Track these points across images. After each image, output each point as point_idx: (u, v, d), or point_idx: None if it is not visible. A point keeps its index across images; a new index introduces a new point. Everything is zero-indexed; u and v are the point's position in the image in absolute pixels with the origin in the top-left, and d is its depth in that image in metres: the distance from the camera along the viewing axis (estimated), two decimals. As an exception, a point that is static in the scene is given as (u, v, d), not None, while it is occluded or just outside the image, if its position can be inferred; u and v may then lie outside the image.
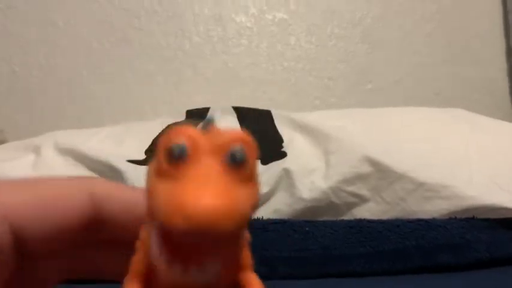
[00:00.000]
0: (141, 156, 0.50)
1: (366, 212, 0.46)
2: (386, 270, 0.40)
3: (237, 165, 0.13)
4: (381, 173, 0.47)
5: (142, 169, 0.48)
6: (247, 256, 0.15)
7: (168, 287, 0.13)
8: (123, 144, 0.52)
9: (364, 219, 0.44)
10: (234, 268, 0.15)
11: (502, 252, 0.41)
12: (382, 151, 0.48)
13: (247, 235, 0.15)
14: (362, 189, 0.47)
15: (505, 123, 0.56)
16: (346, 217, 0.46)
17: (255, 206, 0.13)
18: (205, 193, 0.12)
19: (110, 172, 0.49)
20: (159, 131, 0.53)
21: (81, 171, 0.50)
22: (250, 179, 0.13)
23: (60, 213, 0.16)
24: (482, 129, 0.53)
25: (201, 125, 0.14)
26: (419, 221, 0.43)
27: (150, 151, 0.51)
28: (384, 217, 0.45)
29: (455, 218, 0.44)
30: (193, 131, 0.13)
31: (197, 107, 0.63)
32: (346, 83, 0.86)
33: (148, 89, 0.83)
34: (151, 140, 0.52)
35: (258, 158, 0.14)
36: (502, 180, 0.46)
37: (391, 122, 0.54)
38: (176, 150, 0.13)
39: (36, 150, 0.52)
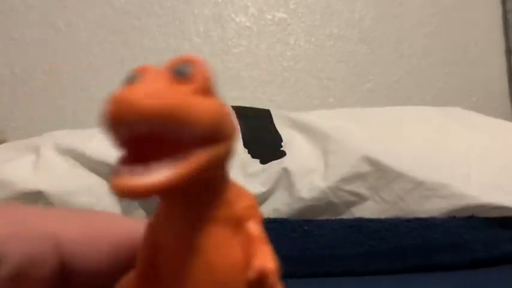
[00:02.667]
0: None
1: (365, 211, 0.46)
2: (385, 270, 0.40)
3: (182, 78, 0.14)
4: (379, 172, 0.47)
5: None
6: (257, 228, 0.15)
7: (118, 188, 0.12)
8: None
9: (363, 219, 0.44)
10: (232, 235, 0.14)
11: (501, 251, 0.41)
12: (381, 150, 0.48)
13: (252, 203, 0.15)
14: (361, 188, 0.47)
15: (504, 122, 0.56)
16: (345, 216, 0.46)
17: (215, 117, 0.13)
18: (135, 87, 0.12)
19: (109, 171, 0.49)
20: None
21: (81, 170, 0.50)
22: (205, 93, 0.14)
23: (111, 250, 0.16)
24: (481, 128, 0.53)
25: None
26: (418, 220, 0.43)
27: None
28: (383, 216, 0.46)
29: (454, 217, 0.44)
30: (151, 66, 0.14)
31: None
32: (345, 83, 0.86)
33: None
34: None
35: (209, 76, 0.14)
36: (501, 179, 0.46)
37: (390, 122, 0.54)
38: (130, 75, 0.14)
39: (36, 150, 0.52)
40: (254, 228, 0.15)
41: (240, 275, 0.14)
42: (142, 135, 0.12)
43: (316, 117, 0.54)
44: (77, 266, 0.16)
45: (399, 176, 0.46)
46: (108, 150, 0.51)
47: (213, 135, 0.13)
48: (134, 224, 0.17)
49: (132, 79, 0.14)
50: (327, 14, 0.86)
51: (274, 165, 0.48)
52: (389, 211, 0.46)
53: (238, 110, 0.59)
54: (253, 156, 0.49)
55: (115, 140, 0.13)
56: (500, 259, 0.41)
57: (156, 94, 0.12)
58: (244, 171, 0.48)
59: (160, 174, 0.12)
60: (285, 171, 0.48)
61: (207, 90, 0.14)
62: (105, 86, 0.83)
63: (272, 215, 0.46)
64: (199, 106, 0.13)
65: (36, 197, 0.48)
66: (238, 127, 0.12)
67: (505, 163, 0.48)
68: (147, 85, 0.13)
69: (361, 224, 0.42)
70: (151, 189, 0.12)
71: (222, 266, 0.14)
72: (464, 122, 0.54)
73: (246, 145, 0.50)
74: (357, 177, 0.47)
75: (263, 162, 0.49)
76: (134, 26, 0.84)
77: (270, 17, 0.86)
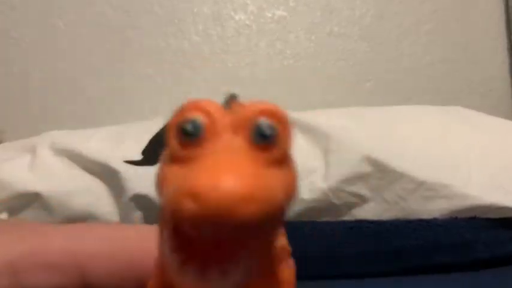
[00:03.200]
0: (138, 156, 0.50)
1: (366, 212, 0.46)
2: (386, 271, 0.40)
3: (265, 142, 0.11)
4: (381, 173, 0.46)
5: (140, 170, 0.48)
6: (286, 270, 0.13)
7: None
8: (120, 144, 0.52)
9: (364, 220, 0.43)
10: (266, 283, 0.12)
11: (502, 251, 0.41)
12: (382, 150, 0.48)
13: (284, 243, 0.13)
14: (362, 189, 0.46)
15: (506, 122, 0.56)
16: (346, 218, 0.46)
17: (291, 194, 0.11)
18: (222, 171, 0.09)
19: (106, 173, 0.48)
20: (156, 130, 0.52)
21: (78, 171, 0.50)
22: (283, 160, 0.11)
23: (137, 272, 0.15)
24: (482, 128, 0.52)
25: (222, 101, 0.12)
26: (420, 221, 0.42)
27: (147, 151, 0.50)
28: (385, 217, 0.45)
29: (456, 217, 0.43)
30: (212, 104, 0.11)
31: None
32: (345, 81, 0.85)
33: (147, 89, 0.83)
34: (148, 140, 0.52)
35: (292, 138, 0.11)
36: (503, 179, 0.45)
37: (391, 121, 0.53)
38: (189, 127, 0.11)
39: (33, 151, 0.52)
40: (287, 273, 0.13)
41: None
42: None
43: (317, 117, 0.54)
44: (99, 283, 0.15)
45: (400, 176, 0.45)
46: (104, 151, 0.50)
47: (283, 213, 0.11)
48: (147, 236, 0.16)
49: (194, 128, 0.11)
50: (326, 12, 0.86)
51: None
52: (390, 212, 0.45)
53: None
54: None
55: (174, 229, 0.10)
56: (502, 259, 0.41)
57: (254, 195, 0.09)
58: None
59: (236, 277, 0.10)
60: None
61: (287, 157, 0.11)
62: (104, 86, 0.82)
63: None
64: (282, 189, 0.10)
65: (32, 198, 0.47)
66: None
67: (506, 163, 0.47)
68: (236, 170, 0.10)
69: (361, 225, 0.42)
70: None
71: None
72: (466, 122, 0.53)
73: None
74: (358, 177, 0.46)
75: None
76: (133, 25, 0.83)
77: (269, 15, 0.85)
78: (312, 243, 0.41)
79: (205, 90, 0.83)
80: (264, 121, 0.11)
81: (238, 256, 0.10)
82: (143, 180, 0.46)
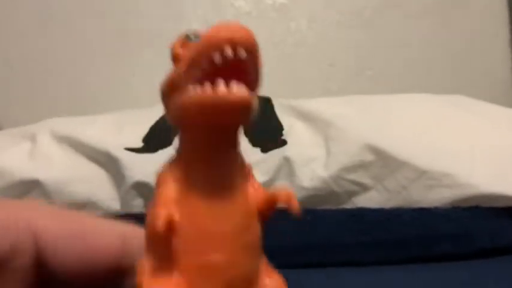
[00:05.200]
0: (139, 144, 0.50)
1: (368, 200, 0.46)
2: (387, 259, 0.40)
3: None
4: (382, 161, 0.46)
5: (140, 157, 0.47)
6: (256, 184, 0.16)
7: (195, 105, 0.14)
8: (120, 132, 0.51)
9: (365, 208, 0.43)
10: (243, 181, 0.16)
11: (505, 241, 0.41)
12: (384, 139, 0.47)
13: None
14: (363, 178, 0.46)
15: (508, 111, 0.55)
16: (348, 206, 0.46)
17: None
18: (235, 25, 0.14)
19: (107, 160, 0.48)
20: (157, 118, 0.52)
21: (78, 158, 0.49)
22: None
23: (89, 250, 0.16)
24: (485, 117, 0.52)
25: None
26: (422, 210, 0.42)
27: (148, 139, 0.50)
28: (386, 205, 0.45)
29: (458, 207, 0.43)
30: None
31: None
32: (346, 70, 0.85)
33: (147, 76, 0.82)
34: (148, 128, 0.51)
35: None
36: (505, 168, 0.45)
37: (393, 110, 0.53)
38: (192, 35, 0.15)
39: (32, 138, 0.51)
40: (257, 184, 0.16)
41: (253, 212, 0.16)
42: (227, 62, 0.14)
43: (318, 105, 0.54)
44: (56, 262, 0.16)
45: (402, 164, 0.45)
46: (105, 138, 0.50)
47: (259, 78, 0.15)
48: (108, 228, 0.17)
49: (196, 37, 0.15)
50: (328, 1, 0.85)
51: (275, 154, 0.48)
52: (392, 201, 0.45)
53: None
54: (253, 145, 0.49)
55: (205, 61, 0.14)
56: (504, 249, 0.40)
57: (254, 40, 0.14)
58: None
59: (244, 90, 0.14)
60: (286, 160, 0.47)
61: None
62: (102, 73, 0.82)
63: (273, 205, 0.45)
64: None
65: (32, 186, 0.47)
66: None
67: (508, 152, 0.47)
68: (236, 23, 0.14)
69: (363, 213, 0.42)
70: (248, 101, 0.14)
71: (244, 204, 0.15)
72: (468, 111, 0.53)
73: (246, 134, 0.50)
74: (359, 166, 0.46)
75: (264, 151, 0.48)
76: (132, 11, 0.82)
77: (270, 2, 0.84)
78: (313, 231, 0.41)
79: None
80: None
81: (245, 77, 0.14)
82: (144, 168, 0.46)
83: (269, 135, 0.50)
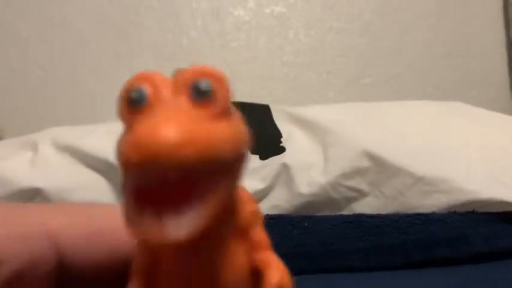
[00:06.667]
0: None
1: (365, 206, 0.46)
2: (385, 265, 0.40)
3: (203, 98, 0.12)
4: (379, 167, 0.46)
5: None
6: (261, 235, 0.14)
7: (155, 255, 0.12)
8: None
9: (363, 214, 0.43)
10: (238, 244, 0.13)
11: (501, 246, 0.41)
12: (381, 145, 0.48)
13: (255, 209, 0.14)
14: (361, 184, 0.46)
15: (504, 116, 0.56)
16: (345, 212, 0.46)
17: (237, 144, 0.12)
18: (161, 124, 0.11)
19: (107, 168, 0.49)
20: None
21: (79, 167, 0.50)
22: (225, 115, 0.12)
23: (112, 246, 0.16)
24: (481, 122, 0.53)
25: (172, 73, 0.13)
26: (419, 216, 0.42)
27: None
28: (383, 211, 0.45)
29: (455, 212, 0.43)
30: (156, 75, 0.12)
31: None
32: (345, 77, 0.85)
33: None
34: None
35: (230, 94, 0.13)
36: (502, 173, 0.45)
37: (390, 116, 0.53)
38: (135, 95, 0.12)
39: (34, 147, 0.52)
40: (258, 234, 0.14)
41: (246, 282, 0.14)
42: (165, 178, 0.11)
43: (316, 112, 0.54)
44: (76, 263, 0.15)
45: (399, 171, 0.46)
46: (106, 147, 0.50)
47: (234, 163, 0.12)
48: None
49: (139, 97, 0.12)
50: (326, 8, 0.86)
51: (274, 161, 0.48)
52: (389, 206, 0.46)
53: (237, 105, 0.58)
54: (252, 152, 0.49)
55: (129, 181, 0.11)
56: (501, 254, 0.41)
57: (188, 139, 0.10)
58: (244, 167, 0.48)
59: (191, 219, 0.11)
60: (285, 167, 0.48)
61: (227, 112, 0.13)
62: (102, 82, 0.82)
63: (272, 212, 0.46)
64: (224, 139, 0.12)
65: (33, 194, 0.48)
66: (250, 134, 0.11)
67: (505, 157, 0.47)
68: (171, 119, 0.11)
69: (360, 219, 0.42)
70: (185, 239, 0.11)
71: (231, 276, 0.13)
72: (465, 117, 0.54)
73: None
74: (357, 172, 0.46)
75: (262, 158, 0.49)
76: (131, 21, 0.83)
77: (268, 10, 0.85)
78: (311, 238, 0.41)
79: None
80: (200, 80, 0.12)
81: (190, 198, 0.11)
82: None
83: (268, 142, 0.51)
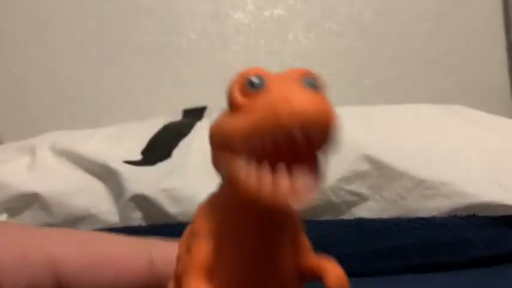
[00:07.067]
0: (138, 156, 0.50)
1: (366, 210, 0.46)
2: (385, 269, 0.40)
3: (314, 89, 0.13)
4: (380, 171, 0.46)
5: (139, 170, 0.48)
6: (306, 240, 0.15)
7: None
8: (119, 145, 0.52)
9: (364, 218, 0.43)
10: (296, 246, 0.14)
11: (502, 249, 0.41)
12: (381, 149, 0.48)
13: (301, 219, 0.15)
14: (361, 188, 0.46)
15: (505, 120, 0.56)
16: (346, 216, 0.46)
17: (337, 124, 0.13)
18: (303, 92, 0.12)
19: (106, 173, 0.48)
20: (156, 130, 0.52)
21: (77, 171, 0.50)
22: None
23: (113, 275, 0.16)
24: (481, 126, 0.52)
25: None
26: (419, 220, 0.42)
27: (147, 152, 0.50)
28: (384, 215, 0.45)
29: (456, 215, 0.43)
30: (265, 70, 0.14)
31: (195, 106, 0.62)
32: (344, 80, 0.85)
33: (146, 89, 0.83)
34: (147, 141, 0.52)
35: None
36: (502, 177, 0.45)
37: (390, 119, 0.53)
38: (255, 79, 0.13)
39: (32, 152, 0.52)
40: (306, 240, 0.16)
41: (293, 283, 0.15)
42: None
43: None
44: (72, 282, 0.15)
45: (400, 174, 0.45)
46: (104, 151, 0.50)
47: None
48: (135, 251, 0.17)
49: (260, 82, 0.13)
50: (325, 10, 0.86)
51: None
52: (390, 210, 0.45)
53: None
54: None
55: (268, 140, 0.12)
56: (502, 257, 0.40)
57: (327, 106, 0.12)
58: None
59: (309, 180, 0.12)
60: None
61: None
62: (102, 85, 0.82)
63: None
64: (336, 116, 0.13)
65: (32, 199, 0.47)
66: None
67: (505, 161, 0.47)
68: (311, 94, 0.12)
69: (361, 223, 0.42)
70: (313, 195, 0.12)
71: (281, 273, 0.14)
72: (465, 120, 0.53)
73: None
74: (357, 176, 0.46)
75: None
76: (131, 24, 0.83)
77: (268, 13, 0.85)
78: (312, 242, 0.41)
79: (204, 89, 0.83)
80: (309, 77, 0.14)
81: (315, 163, 0.12)
82: (143, 181, 0.46)
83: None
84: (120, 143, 0.52)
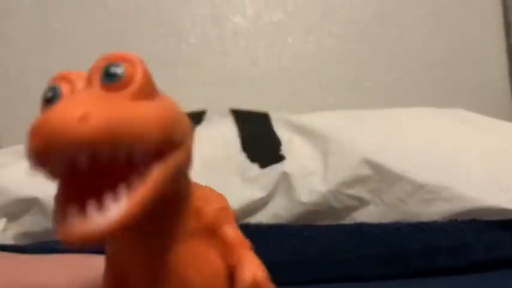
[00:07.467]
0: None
1: (366, 215, 0.46)
2: (386, 274, 0.40)
3: (115, 82, 0.11)
4: (380, 175, 0.46)
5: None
6: (234, 233, 0.14)
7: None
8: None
9: (364, 223, 0.43)
10: (207, 244, 0.12)
11: (503, 253, 0.41)
12: (382, 153, 0.47)
13: (225, 205, 0.14)
14: (362, 192, 0.46)
15: (505, 123, 0.56)
16: (346, 221, 0.46)
17: (166, 124, 0.11)
18: (60, 107, 0.10)
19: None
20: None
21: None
22: (146, 95, 0.11)
23: None
24: (482, 130, 0.52)
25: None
26: (419, 224, 0.42)
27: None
28: (385, 220, 0.45)
29: (456, 220, 0.43)
30: (73, 72, 0.12)
31: (194, 110, 0.62)
32: (344, 83, 0.85)
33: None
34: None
35: (148, 75, 0.12)
36: (503, 181, 0.45)
37: (390, 123, 0.53)
38: (49, 94, 0.11)
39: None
40: (230, 233, 0.14)
41: (223, 285, 0.13)
42: (83, 164, 0.10)
43: (316, 120, 0.54)
44: None
45: (400, 178, 0.45)
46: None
47: (166, 144, 0.11)
48: None
49: (53, 95, 0.11)
50: (325, 13, 0.86)
51: (274, 169, 0.48)
52: (390, 214, 0.45)
53: (236, 113, 0.58)
54: (252, 161, 0.49)
55: (47, 175, 0.10)
56: (503, 261, 0.40)
57: (92, 113, 0.09)
58: (243, 176, 0.48)
59: (117, 209, 0.10)
60: (284, 175, 0.47)
61: (147, 92, 0.12)
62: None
63: (272, 221, 0.45)
64: (143, 115, 0.11)
65: (31, 204, 0.47)
66: (192, 126, 0.11)
67: (506, 165, 0.47)
68: (76, 101, 0.10)
69: (362, 228, 0.42)
70: (111, 231, 0.10)
71: (200, 281, 0.13)
72: (465, 124, 0.53)
73: (244, 149, 0.50)
74: (358, 180, 0.46)
75: (262, 166, 0.48)
76: (131, 28, 0.83)
77: (267, 17, 0.85)
78: (312, 247, 0.41)
79: (203, 92, 0.83)
80: (110, 65, 0.12)
81: (114, 186, 0.10)
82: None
83: (267, 150, 0.50)
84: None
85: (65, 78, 0.12)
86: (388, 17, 0.86)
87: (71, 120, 0.09)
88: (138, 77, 0.12)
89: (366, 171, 0.46)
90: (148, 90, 0.12)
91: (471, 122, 0.54)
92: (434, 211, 0.44)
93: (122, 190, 0.10)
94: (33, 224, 0.47)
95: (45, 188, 0.48)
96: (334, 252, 0.40)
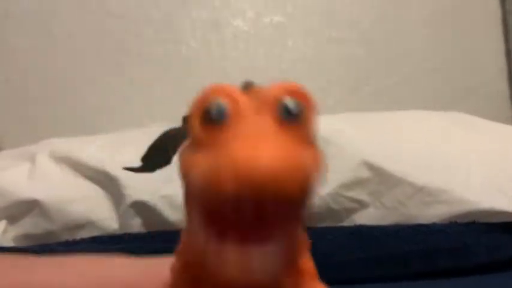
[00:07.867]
0: (138, 163, 0.50)
1: (366, 217, 0.46)
2: (386, 276, 0.40)
3: (291, 119, 0.11)
4: (380, 178, 0.46)
5: (138, 176, 0.48)
6: (308, 263, 0.13)
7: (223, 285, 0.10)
8: (118, 151, 0.52)
9: (364, 225, 0.43)
10: (294, 261, 0.12)
11: (502, 255, 0.41)
12: (381, 155, 0.48)
13: (306, 238, 0.13)
14: (361, 195, 0.46)
15: (505, 126, 0.56)
16: (346, 223, 0.46)
17: (319, 172, 0.11)
18: (259, 148, 0.09)
19: (105, 180, 0.48)
20: (155, 137, 0.52)
21: (77, 178, 0.49)
22: (310, 139, 0.11)
23: None
24: (481, 133, 0.53)
25: (240, 85, 0.11)
26: (419, 226, 0.42)
27: (147, 158, 0.50)
28: (384, 222, 0.45)
29: (456, 222, 0.43)
30: (234, 89, 0.11)
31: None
32: (344, 86, 0.85)
33: (146, 96, 0.83)
34: (147, 147, 0.52)
35: (316, 115, 0.11)
36: (502, 183, 0.45)
37: (390, 126, 0.53)
38: (214, 110, 0.10)
39: (32, 159, 0.52)
40: (307, 264, 0.13)
41: None
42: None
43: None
44: None
45: (400, 181, 0.46)
46: (103, 158, 0.50)
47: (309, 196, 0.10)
48: (137, 273, 0.17)
49: (218, 113, 0.10)
50: (324, 17, 0.86)
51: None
52: (390, 217, 0.45)
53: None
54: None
55: (212, 213, 0.10)
56: (502, 263, 0.40)
57: (290, 166, 0.09)
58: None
59: (276, 254, 0.09)
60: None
61: (313, 137, 0.11)
62: (102, 93, 0.82)
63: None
64: (312, 168, 0.10)
65: (31, 206, 0.47)
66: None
67: (505, 168, 0.47)
68: (272, 146, 0.09)
69: (361, 230, 0.42)
70: (271, 277, 0.09)
71: None
72: (465, 127, 0.54)
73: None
74: (357, 183, 0.46)
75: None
76: (131, 32, 0.83)
77: (267, 20, 0.85)
78: (312, 249, 0.41)
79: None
80: (289, 99, 0.11)
81: (278, 233, 0.10)
82: (142, 187, 0.46)
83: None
84: (119, 150, 0.52)
85: (226, 93, 0.11)
86: (388, 20, 0.87)
87: (273, 174, 0.09)
88: (311, 120, 0.11)
89: (365, 173, 0.46)
90: (314, 135, 0.11)
91: (470, 125, 0.54)
92: (433, 213, 0.44)
93: (280, 236, 0.10)
94: (33, 226, 0.47)
95: (45, 190, 0.48)
96: (334, 255, 0.40)
